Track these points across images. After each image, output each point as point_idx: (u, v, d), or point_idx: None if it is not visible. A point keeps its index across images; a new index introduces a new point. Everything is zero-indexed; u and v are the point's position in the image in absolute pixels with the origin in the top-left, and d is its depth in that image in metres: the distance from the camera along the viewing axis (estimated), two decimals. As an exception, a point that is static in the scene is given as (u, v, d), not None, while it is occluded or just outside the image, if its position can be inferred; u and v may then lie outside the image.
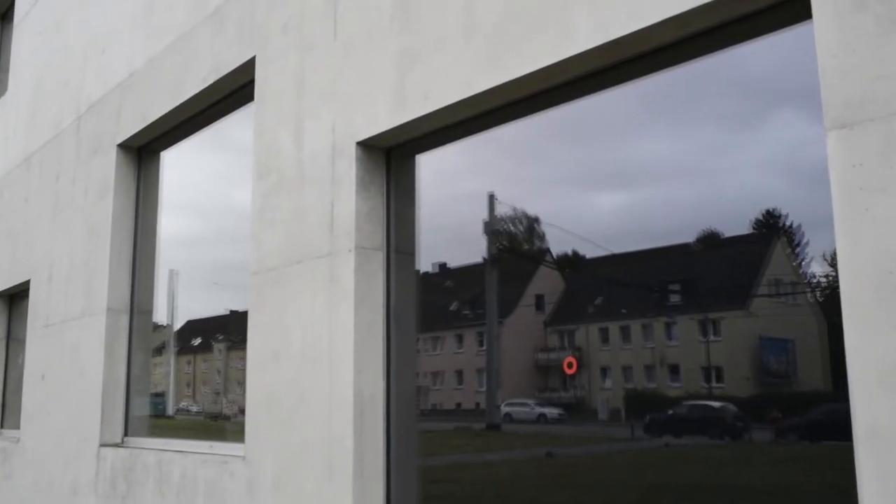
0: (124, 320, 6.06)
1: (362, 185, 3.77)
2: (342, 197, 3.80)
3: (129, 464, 5.38)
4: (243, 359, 4.51)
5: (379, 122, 3.66)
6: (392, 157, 3.86)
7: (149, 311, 6.25)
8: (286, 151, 4.29)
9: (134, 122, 6.01)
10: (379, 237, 3.78)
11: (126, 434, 5.89)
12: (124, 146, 6.22)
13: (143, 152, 6.31)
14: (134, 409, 6.07)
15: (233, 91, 5.14)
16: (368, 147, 3.80)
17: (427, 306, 4.18)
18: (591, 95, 3.17)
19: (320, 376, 3.79)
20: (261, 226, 4.42)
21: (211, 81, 5.09)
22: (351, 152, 3.80)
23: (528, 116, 3.35)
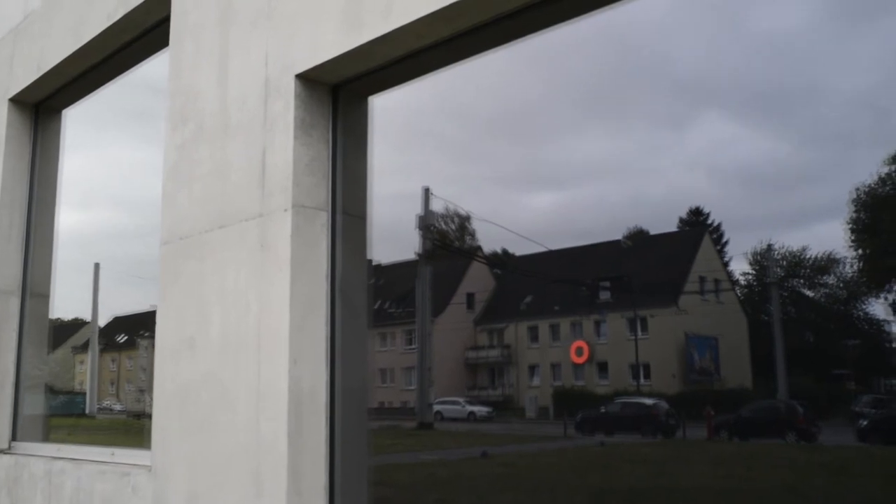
0: (14, 304, 5.15)
1: (302, 128, 3.02)
2: (277, 144, 3.05)
3: (15, 474, 4.50)
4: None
5: (325, 48, 2.93)
6: (340, 95, 3.12)
7: (45, 295, 5.33)
8: (207, 94, 3.51)
9: (28, 72, 5.11)
10: (322, 193, 3.04)
11: (14, 438, 4.99)
12: (17, 101, 5.30)
13: (40, 109, 5.40)
14: (26, 408, 5.15)
15: (145, 30, 4.32)
16: (310, 82, 3.06)
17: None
18: (595, 12, 2.51)
19: (247, 367, 3.04)
20: (174, 186, 3.63)
21: (118, 17, 4.26)
22: (289, 88, 3.05)
23: (516, 41, 2.67)
